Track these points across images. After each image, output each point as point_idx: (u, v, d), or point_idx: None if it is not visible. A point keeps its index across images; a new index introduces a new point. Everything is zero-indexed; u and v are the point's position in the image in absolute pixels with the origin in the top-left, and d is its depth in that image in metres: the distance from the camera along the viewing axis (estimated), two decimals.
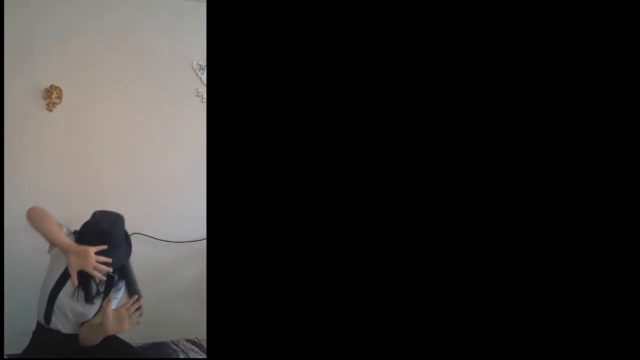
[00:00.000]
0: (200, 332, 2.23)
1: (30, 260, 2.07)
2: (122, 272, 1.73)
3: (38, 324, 1.72)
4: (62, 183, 2.15)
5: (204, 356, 2.05)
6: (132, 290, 1.73)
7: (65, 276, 1.61)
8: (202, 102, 2.38)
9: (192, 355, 2.05)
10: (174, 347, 2.13)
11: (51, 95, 2.12)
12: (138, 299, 1.66)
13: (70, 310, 1.65)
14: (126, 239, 1.74)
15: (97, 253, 1.56)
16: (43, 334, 1.68)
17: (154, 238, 2.26)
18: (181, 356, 2.04)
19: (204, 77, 2.38)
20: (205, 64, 2.36)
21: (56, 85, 2.13)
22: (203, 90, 2.37)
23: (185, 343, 2.18)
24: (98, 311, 1.69)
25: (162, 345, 2.10)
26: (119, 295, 1.74)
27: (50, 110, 2.13)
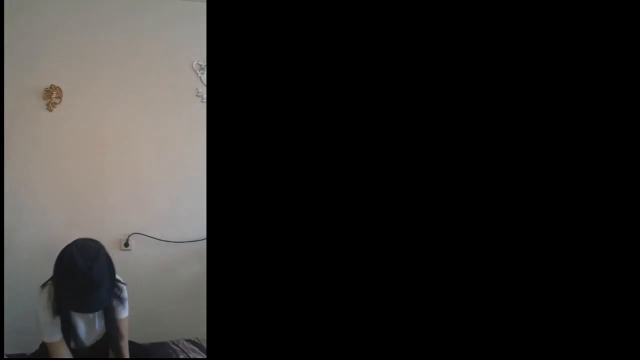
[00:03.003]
0: (200, 332, 2.23)
1: (31, 260, 2.08)
2: (107, 315, 1.61)
3: (41, 347, 1.73)
4: (62, 183, 2.16)
5: (204, 356, 2.06)
6: (112, 339, 1.63)
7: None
8: (202, 102, 2.38)
9: (192, 355, 2.05)
10: (174, 347, 2.13)
11: (51, 95, 2.12)
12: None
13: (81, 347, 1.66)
14: (109, 270, 1.55)
15: (77, 293, 1.42)
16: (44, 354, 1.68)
17: (154, 238, 2.26)
18: (181, 356, 2.04)
19: (204, 77, 2.38)
20: (205, 64, 2.37)
21: (56, 85, 2.13)
22: (203, 90, 2.37)
23: (185, 343, 2.18)
24: (101, 340, 1.69)
25: (162, 345, 2.10)
26: (125, 305, 1.70)
27: (50, 110, 2.13)
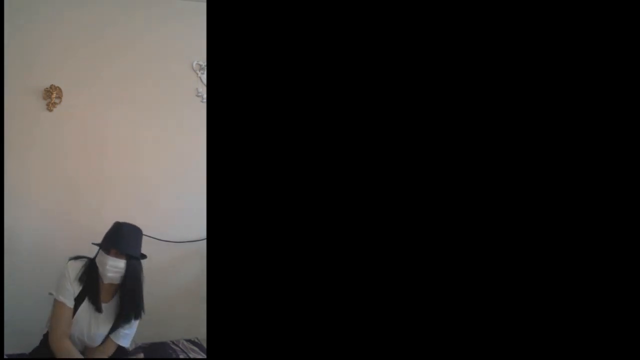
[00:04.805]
0: (200, 332, 2.23)
1: (31, 259, 2.07)
2: (136, 306, 1.74)
3: (44, 336, 1.74)
4: (62, 183, 2.15)
5: (204, 356, 2.05)
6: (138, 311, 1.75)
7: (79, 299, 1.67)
8: (202, 102, 2.38)
9: (192, 355, 2.05)
10: (174, 347, 2.13)
11: (51, 95, 2.12)
12: None
13: (77, 334, 1.69)
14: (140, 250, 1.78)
15: (113, 257, 1.65)
16: (46, 348, 1.69)
17: (154, 238, 2.26)
18: (181, 356, 2.04)
19: (204, 77, 2.38)
20: (205, 64, 2.36)
21: (56, 85, 2.13)
22: (203, 90, 2.37)
23: (185, 343, 2.18)
24: (103, 341, 1.72)
25: (162, 345, 2.10)
26: (131, 332, 1.77)
27: (50, 110, 2.13)
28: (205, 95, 2.37)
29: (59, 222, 2.13)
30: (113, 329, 1.72)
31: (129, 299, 1.71)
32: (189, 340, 2.21)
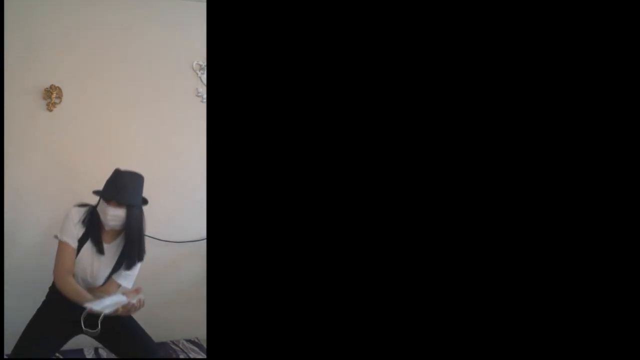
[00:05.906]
0: (200, 332, 2.23)
1: (31, 259, 2.08)
2: (138, 251, 1.75)
3: (50, 289, 1.76)
4: (62, 183, 2.16)
5: (204, 356, 2.06)
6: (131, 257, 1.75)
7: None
8: (202, 102, 2.38)
9: (192, 355, 2.06)
10: (174, 347, 2.13)
11: (51, 95, 2.12)
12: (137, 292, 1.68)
13: (80, 275, 1.70)
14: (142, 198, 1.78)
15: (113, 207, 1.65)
16: (56, 295, 1.70)
17: (154, 238, 2.26)
18: (181, 356, 2.04)
19: (204, 77, 2.38)
20: (205, 64, 2.37)
21: (56, 85, 2.13)
22: (203, 90, 2.38)
23: (185, 343, 2.18)
24: (105, 282, 1.74)
25: (162, 345, 2.10)
26: (133, 273, 1.78)
27: (50, 110, 2.13)
28: (205, 95, 2.37)
29: (58, 222, 2.13)
30: (115, 270, 1.73)
31: (131, 245, 1.72)
32: (189, 340, 2.21)
